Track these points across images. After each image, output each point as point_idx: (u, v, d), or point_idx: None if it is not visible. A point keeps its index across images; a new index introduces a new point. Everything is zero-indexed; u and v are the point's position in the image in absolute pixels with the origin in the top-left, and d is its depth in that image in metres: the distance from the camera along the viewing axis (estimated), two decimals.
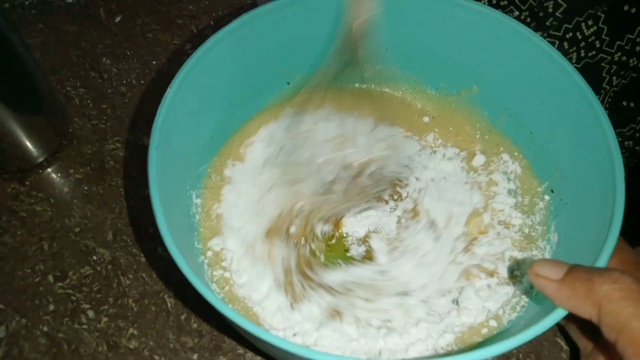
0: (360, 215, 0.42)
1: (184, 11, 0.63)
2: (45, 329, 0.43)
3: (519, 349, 0.43)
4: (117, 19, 0.62)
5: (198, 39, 0.60)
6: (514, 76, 0.43)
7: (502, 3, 0.53)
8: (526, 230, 0.42)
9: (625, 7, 0.48)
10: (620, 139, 0.56)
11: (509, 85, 0.43)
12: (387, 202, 0.44)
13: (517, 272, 0.40)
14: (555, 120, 0.41)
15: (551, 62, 0.39)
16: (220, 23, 0.62)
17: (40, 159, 0.51)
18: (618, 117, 0.55)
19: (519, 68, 0.42)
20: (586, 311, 0.29)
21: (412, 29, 0.44)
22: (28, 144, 0.49)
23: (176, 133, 0.38)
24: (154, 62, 0.59)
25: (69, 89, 0.56)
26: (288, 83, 0.47)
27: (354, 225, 0.43)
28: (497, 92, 0.44)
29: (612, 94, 0.54)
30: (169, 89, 0.37)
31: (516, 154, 0.44)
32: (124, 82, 0.57)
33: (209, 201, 0.42)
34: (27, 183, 0.50)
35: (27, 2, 0.62)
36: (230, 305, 0.35)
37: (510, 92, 0.43)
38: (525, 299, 0.38)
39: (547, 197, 0.42)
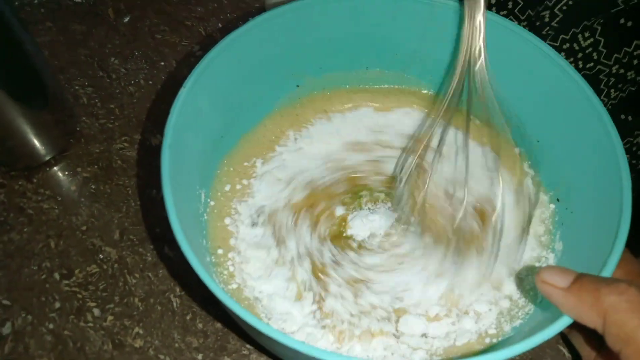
0: (366, 219, 0.43)
1: (192, 13, 0.63)
2: (51, 326, 0.43)
3: (522, 356, 0.43)
4: (126, 19, 0.62)
5: (206, 41, 0.61)
6: (521, 83, 0.43)
7: (501, 13, 0.53)
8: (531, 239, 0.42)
9: (622, 21, 0.49)
10: None
11: (516, 92, 0.43)
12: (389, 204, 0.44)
13: (522, 279, 0.40)
14: (562, 129, 0.41)
15: (559, 70, 0.40)
16: (228, 25, 0.62)
17: (48, 157, 0.51)
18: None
19: (526, 76, 0.42)
20: (591, 320, 0.29)
21: (420, 35, 0.45)
22: (36, 142, 0.50)
23: (187, 132, 0.38)
24: (162, 63, 0.59)
25: (77, 88, 0.57)
26: (297, 86, 0.47)
27: (358, 228, 0.43)
28: (504, 100, 0.44)
29: (610, 107, 0.54)
30: (182, 88, 0.37)
31: (522, 161, 0.45)
32: (132, 82, 0.57)
33: (221, 202, 0.42)
34: (35, 181, 0.50)
35: (35, 1, 0.63)
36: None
37: (518, 100, 0.44)
38: (529, 306, 0.38)
39: (552, 206, 0.42)
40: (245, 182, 0.44)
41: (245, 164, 0.45)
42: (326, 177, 0.45)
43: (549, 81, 0.41)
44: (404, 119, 0.48)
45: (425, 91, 0.49)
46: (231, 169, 0.44)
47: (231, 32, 0.41)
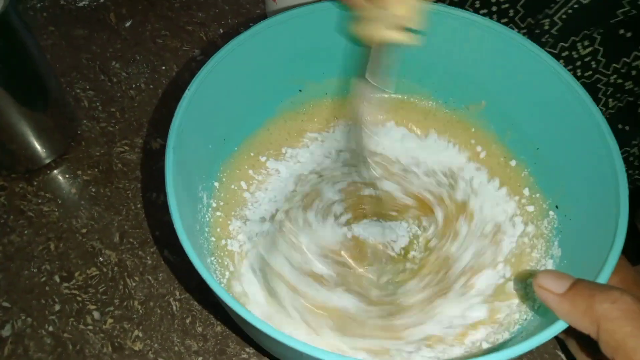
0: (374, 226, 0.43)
1: (193, 18, 0.64)
2: (50, 328, 0.43)
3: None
4: (127, 24, 0.63)
5: (207, 46, 0.61)
6: (522, 92, 0.44)
7: (502, 21, 0.54)
8: (530, 246, 0.43)
9: (621, 31, 0.49)
10: None
11: (517, 101, 0.44)
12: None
13: (522, 284, 0.40)
14: (561, 137, 0.42)
15: (559, 79, 0.40)
16: (229, 31, 0.63)
17: (49, 160, 0.51)
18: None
19: (527, 84, 0.43)
20: (585, 326, 0.30)
21: (422, 43, 0.45)
22: (37, 144, 0.50)
23: (191, 135, 0.38)
24: (163, 68, 0.59)
25: (78, 91, 0.57)
26: (300, 90, 0.47)
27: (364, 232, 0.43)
28: (505, 108, 0.45)
29: (607, 116, 0.55)
30: (187, 91, 0.38)
31: (522, 169, 0.45)
32: (133, 86, 0.58)
33: (223, 205, 0.43)
34: (35, 183, 0.50)
35: (38, 5, 0.63)
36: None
37: (519, 108, 0.44)
38: (529, 311, 0.39)
39: (551, 213, 0.43)
40: (247, 185, 0.45)
41: (247, 167, 0.45)
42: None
43: (548, 89, 0.41)
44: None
45: (424, 103, 0.49)
46: (236, 171, 0.44)
47: (233, 37, 0.41)
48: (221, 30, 0.63)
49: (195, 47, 0.61)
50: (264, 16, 0.62)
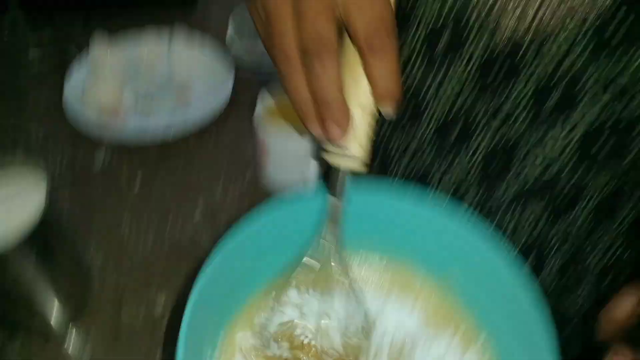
0: None
1: (199, 180, 0.70)
2: None
3: None
4: (137, 185, 0.69)
5: (209, 208, 0.67)
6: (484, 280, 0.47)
7: (463, 184, 0.60)
8: None
9: (561, 198, 0.55)
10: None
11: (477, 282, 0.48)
12: None
13: None
14: (512, 317, 0.45)
15: (502, 259, 0.44)
16: (230, 192, 0.68)
17: (64, 323, 0.55)
18: (561, 294, 0.62)
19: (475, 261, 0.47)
20: None
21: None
22: (51, 307, 0.53)
23: (201, 312, 0.42)
24: (170, 228, 0.64)
25: (91, 252, 0.61)
26: (302, 261, 0.51)
27: None
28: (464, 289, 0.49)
29: (553, 275, 0.60)
30: (201, 274, 0.42)
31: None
32: (141, 248, 0.62)
33: None
34: (50, 347, 0.53)
35: (57, 173, 0.69)
36: None
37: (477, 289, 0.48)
38: None
39: None
40: (246, 350, 0.47)
41: (244, 334, 0.48)
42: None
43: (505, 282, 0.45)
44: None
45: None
46: (236, 336, 0.47)
47: (232, 199, 0.45)
48: (222, 189, 0.69)
49: (199, 209, 0.67)
50: (259, 180, 0.68)
